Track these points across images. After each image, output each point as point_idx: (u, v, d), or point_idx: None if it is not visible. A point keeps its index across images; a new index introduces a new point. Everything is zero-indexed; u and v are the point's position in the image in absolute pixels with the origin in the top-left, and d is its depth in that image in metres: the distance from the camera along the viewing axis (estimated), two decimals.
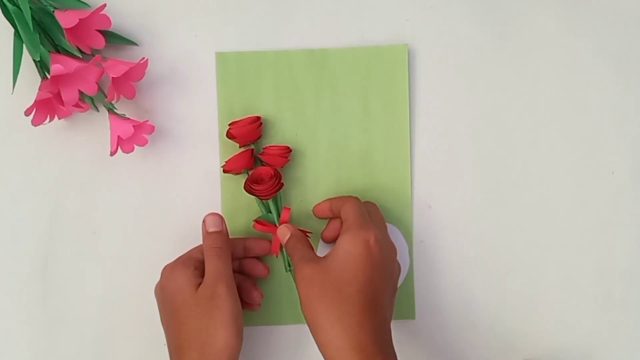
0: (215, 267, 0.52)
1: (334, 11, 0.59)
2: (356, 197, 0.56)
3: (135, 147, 0.55)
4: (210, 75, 0.58)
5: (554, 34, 0.60)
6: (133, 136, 0.54)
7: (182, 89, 0.58)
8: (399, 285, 0.55)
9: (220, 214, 0.55)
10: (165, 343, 0.58)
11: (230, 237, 0.55)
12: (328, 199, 0.57)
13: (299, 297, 0.50)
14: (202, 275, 0.52)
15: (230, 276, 0.52)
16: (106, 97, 0.54)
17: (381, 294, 0.50)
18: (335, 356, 0.48)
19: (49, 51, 0.53)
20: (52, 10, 0.53)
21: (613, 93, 0.60)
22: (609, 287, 0.59)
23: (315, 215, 0.58)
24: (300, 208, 0.58)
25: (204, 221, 0.54)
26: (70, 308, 0.57)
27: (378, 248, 0.50)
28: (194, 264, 0.53)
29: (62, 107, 0.54)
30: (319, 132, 0.58)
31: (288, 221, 0.56)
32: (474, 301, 0.59)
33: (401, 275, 0.58)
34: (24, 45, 0.54)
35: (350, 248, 0.50)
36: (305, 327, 0.58)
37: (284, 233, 0.55)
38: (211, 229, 0.54)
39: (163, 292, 0.52)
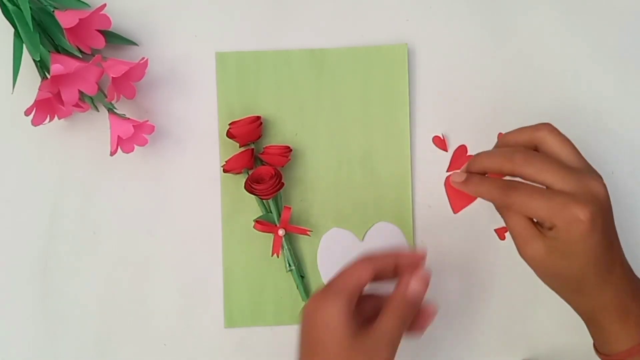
0: (393, 328, 0.45)
1: (334, 11, 0.59)
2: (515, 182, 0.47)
3: (135, 147, 0.55)
4: (210, 75, 0.58)
5: (554, 34, 0.60)
6: (133, 136, 0.54)
7: (182, 89, 0.58)
8: None
9: (428, 277, 0.48)
10: (165, 343, 0.58)
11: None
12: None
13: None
14: (354, 311, 0.45)
15: (398, 343, 0.45)
16: (106, 97, 0.54)
17: (612, 249, 0.46)
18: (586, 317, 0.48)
19: (49, 51, 0.53)
20: (52, 10, 0.53)
21: (613, 93, 0.60)
22: None
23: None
24: (301, 208, 0.58)
25: (408, 282, 0.46)
26: (70, 308, 0.57)
27: (584, 213, 0.44)
28: (348, 297, 0.44)
29: (62, 107, 0.54)
30: (319, 132, 0.58)
31: (288, 221, 0.56)
32: (474, 301, 0.59)
33: None
34: (24, 45, 0.54)
35: (563, 232, 0.44)
36: None
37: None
38: (413, 296, 0.46)
39: (308, 326, 0.44)
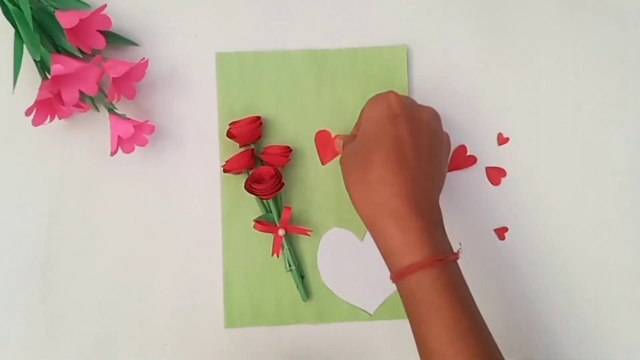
0: None
1: (334, 11, 0.59)
2: None
3: (136, 147, 0.55)
4: (211, 76, 0.58)
5: (554, 34, 0.60)
6: (133, 136, 0.54)
7: (183, 89, 0.58)
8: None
9: None
10: (166, 343, 0.58)
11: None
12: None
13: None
14: None
15: None
16: (106, 97, 0.54)
17: (412, 149, 0.49)
18: (368, 222, 0.49)
19: (49, 51, 0.53)
20: (52, 10, 0.53)
21: (613, 93, 0.60)
22: (609, 287, 0.59)
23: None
24: (301, 208, 0.58)
25: None
26: (70, 308, 0.57)
27: (399, 103, 0.50)
28: None
29: (62, 107, 0.54)
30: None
31: (288, 221, 0.56)
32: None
33: None
34: (25, 46, 0.54)
35: (368, 111, 0.51)
36: (305, 327, 0.58)
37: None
38: None
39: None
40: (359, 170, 0.49)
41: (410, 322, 0.48)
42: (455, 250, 0.49)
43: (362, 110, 0.53)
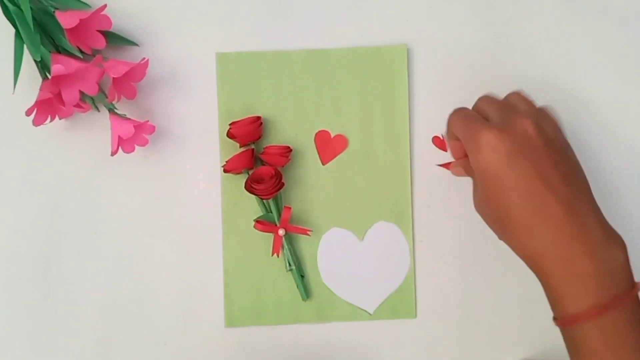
0: None
1: (334, 11, 0.59)
2: (458, 108, 0.51)
3: (136, 147, 0.55)
4: (211, 76, 0.58)
5: (554, 34, 0.60)
6: (134, 136, 0.54)
7: (183, 89, 0.58)
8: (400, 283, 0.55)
9: None
10: (166, 343, 0.58)
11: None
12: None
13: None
14: None
15: None
16: (107, 97, 0.54)
17: (541, 183, 0.44)
18: (531, 265, 0.46)
19: (49, 51, 0.53)
20: (52, 10, 0.53)
21: (613, 93, 0.60)
22: None
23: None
24: (301, 208, 0.58)
25: None
26: (70, 308, 0.57)
27: (499, 140, 0.44)
28: None
29: (62, 107, 0.54)
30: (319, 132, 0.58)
31: (288, 221, 0.56)
32: (474, 301, 0.59)
33: (401, 275, 0.58)
34: (25, 46, 0.54)
35: (476, 165, 0.45)
36: (305, 327, 0.58)
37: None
38: None
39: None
40: (504, 223, 0.46)
41: None
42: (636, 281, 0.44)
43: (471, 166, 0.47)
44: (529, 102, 0.50)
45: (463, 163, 0.52)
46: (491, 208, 0.46)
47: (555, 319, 0.46)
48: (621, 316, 0.42)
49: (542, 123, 0.47)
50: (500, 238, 0.48)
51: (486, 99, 0.51)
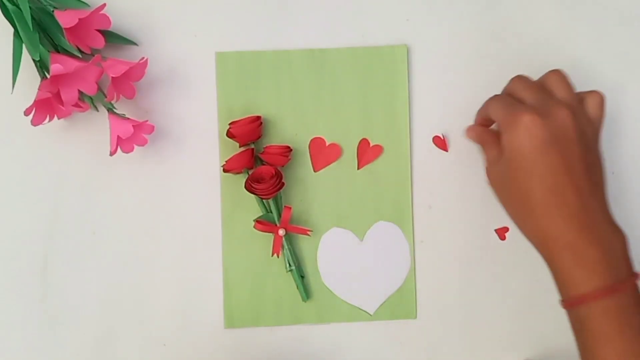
0: None
1: (334, 11, 0.59)
2: (495, 96, 0.52)
3: (135, 147, 0.55)
4: (210, 75, 0.58)
5: (554, 34, 0.60)
6: (133, 136, 0.54)
7: (182, 89, 0.58)
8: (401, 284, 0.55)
9: None
10: (165, 344, 0.58)
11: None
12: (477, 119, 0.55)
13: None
14: None
15: None
16: (106, 97, 0.54)
17: (566, 175, 0.47)
18: (539, 249, 0.49)
19: (48, 51, 0.53)
20: (51, 9, 0.52)
21: (613, 93, 0.60)
22: None
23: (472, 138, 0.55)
24: (301, 208, 0.58)
25: None
26: (70, 308, 0.57)
27: (537, 126, 0.46)
28: None
29: (61, 107, 0.54)
30: (319, 132, 0.58)
31: (289, 220, 0.56)
32: (474, 301, 0.59)
33: (401, 275, 0.58)
34: (24, 45, 0.54)
35: (509, 144, 0.47)
36: (305, 327, 0.58)
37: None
38: None
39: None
40: (521, 204, 0.49)
41: (580, 352, 0.48)
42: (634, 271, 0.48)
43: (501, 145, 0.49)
44: (568, 87, 0.50)
45: (480, 130, 0.54)
46: (511, 187, 0.49)
47: (562, 301, 0.49)
48: (623, 299, 0.46)
49: (579, 114, 0.49)
50: (511, 217, 0.50)
51: (521, 81, 0.52)
